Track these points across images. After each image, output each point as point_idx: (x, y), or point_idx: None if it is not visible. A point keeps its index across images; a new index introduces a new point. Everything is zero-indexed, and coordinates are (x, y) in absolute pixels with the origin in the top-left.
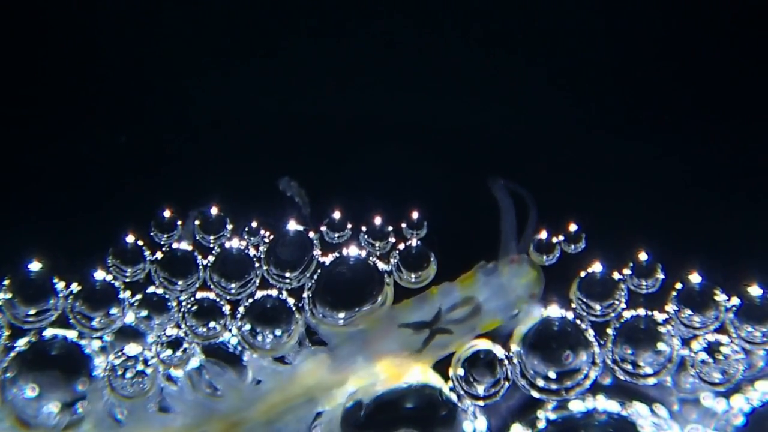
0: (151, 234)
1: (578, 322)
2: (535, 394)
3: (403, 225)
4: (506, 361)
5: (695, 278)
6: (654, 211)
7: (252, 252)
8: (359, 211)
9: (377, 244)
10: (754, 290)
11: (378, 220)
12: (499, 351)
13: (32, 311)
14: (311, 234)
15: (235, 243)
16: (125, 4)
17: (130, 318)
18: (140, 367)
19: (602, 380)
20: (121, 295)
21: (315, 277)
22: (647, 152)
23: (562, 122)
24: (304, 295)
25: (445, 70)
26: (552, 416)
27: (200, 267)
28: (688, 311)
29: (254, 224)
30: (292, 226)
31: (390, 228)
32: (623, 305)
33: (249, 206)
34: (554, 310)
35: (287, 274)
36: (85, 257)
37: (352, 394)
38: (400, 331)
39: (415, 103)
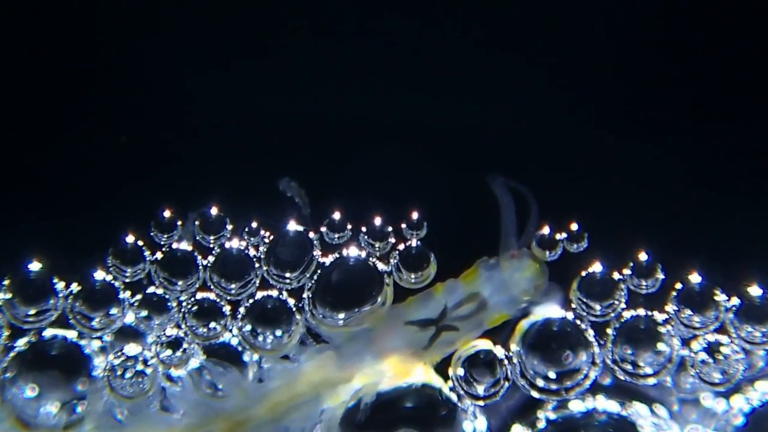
0: (151, 234)
1: (578, 322)
2: (535, 394)
3: (403, 225)
4: (506, 361)
5: (695, 278)
6: (654, 211)
7: (252, 252)
8: (359, 212)
9: (377, 245)
10: (754, 290)
11: (378, 221)
12: (499, 351)
13: (32, 311)
14: (311, 234)
15: (235, 243)
16: (125, 4)
17: (130, 318)
18: (140, 367)
19: (602, 380)
20: (121, 296)
21: (315, 277)
22: (647, 152)
23: (562, 122)
24: (304, 295)
25: (445, 70)
26: (552, 416)
27: (200, 267)
28: (688, 311)
29: (254, 224)
30: (292, 226)
31: (390, 228)
32: (623, 305)
33: (249, 206)
34: (554, 310)
35: (287, 275)
36: (85, 257)
37: (356, 392)
38: (406, 328)
39: (415, 103)
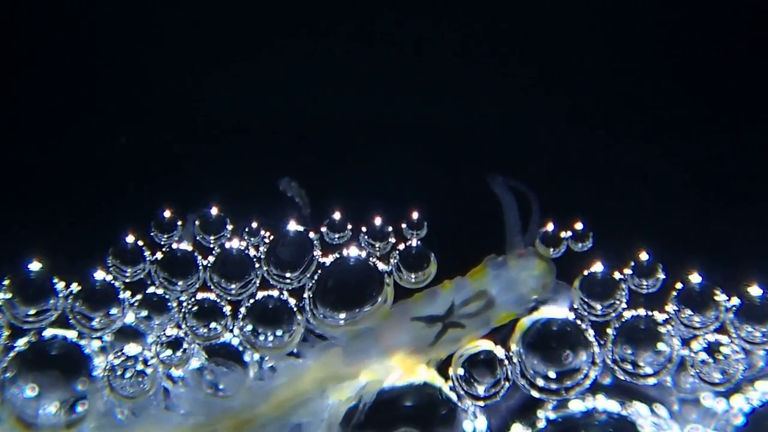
0: (151, 234)
1: (578, 322)
2: (535, 393)
3: (403, 225)
4: (506, 362)
5: (695, 278)
6: (655, 212)
7: (252, 252)
8: (359, 212)
9: (377, 245)
10: (754, 290)
11: (378, 221)
12: (499, 351)
13: (32, 311)
14: (311, 234)
15: (235, 243)
16: (125, 4)
17: (130, 318)
18: (140, 367)
19: (602, 380)
20: (121, 296)
21: (315, 277)
22: (648, 153)
23: (562, 122)
24: (305, 295)
25: (446, 70)
26: (552, 416)
27: (200, 267)
28: (689, 311)
29: (254, 225)
30: (293, 226)
31: (390, 228)
32: (624, 305)
33: (249, 207)
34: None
35: (287, 275)
36: (85, 257)
37: (359, 390)
38: (413, 324)
39: (415, 104)
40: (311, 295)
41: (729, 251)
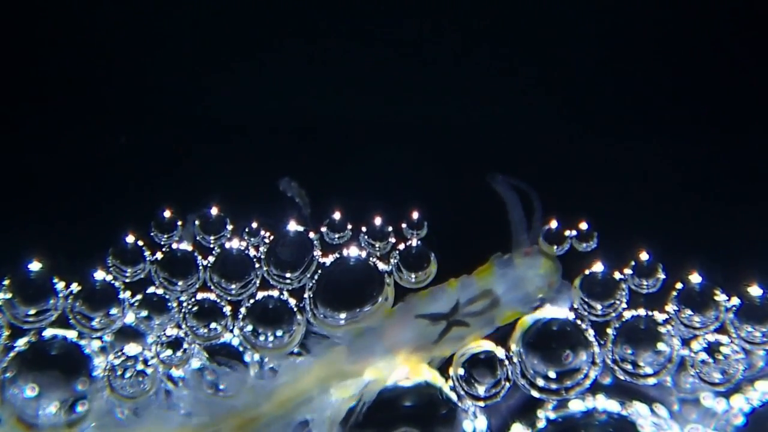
0: (152, 234)
1: (578, 321)
2: (535, 393)
3: (403, 225)
4: (507, 362)
5: (695, 278)
6: (655, 212)
7: (252, 253)
8: (359, 212)
9: (377, 245)
10: (754, 290)
11: (378, 221)
12: (500, 351)
13: (32, 311)
14: (311, 234)
15: (235, 243)
16: (126, 5)
17: (130, 318)
18: (140, 366)
19: (602, 380)
20: (121, 296)
21: (315, 277)
22: (648, 153)
23: (563, 122)
24: (305, 295)
25: (446, 70)
26: (552, 416)
27: (200, 267)
28: (689, 311)
29: (254, 225)
30: (293, 226)
31: (390, 228)
32: (624, 305)
33: (249, 207)
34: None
35: (287, 275)
36: (85, 257)
37: (362, 388)
38: (417, 322)
39: (414, 103)
40: (311, 295)
41: (729, 251)
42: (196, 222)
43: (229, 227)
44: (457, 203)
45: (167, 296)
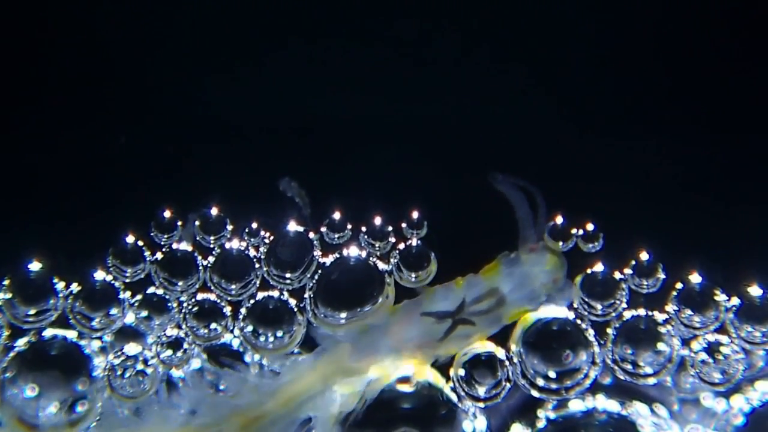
0: (152, 234)
1: (578, 321)
2: (535, 393)
3: (403, 225)
4: (507, 363)
5: (695, 278)
6: (655, 212)
7: (252, 253)
8: (359, 212)
9: (377, 244)
10: (754, 290)
11: (378, 220)
12: (500, 352)
13: (32, 311)
14: (311, 234)
15: (235, 244)
16: (126, 5)
17: (130, 318)
18: (140, 366)
19: (602, 380)
20: (121, 296)
21: (315, 277)
22: (649, 153)
23: (563, 122)
24: (306, 295)
25: (446, 70)
26: (552, 415)
27: (200, 268)
28: (689, 311)
29: (254, 225)
30: (293, 226)
31: (390, 228)
32: (624, 305)
33: (249, 207)
34: (555, 310)
35: (287, 275)
36: (85, 257)
37: (369, 384)
38: (422, 319)
39: (414, 103)
40: (312, 295)
41: (729, 251)
42: (196, 222)
43: (229, 227)
44: (457, 203)
45: (167, 296)
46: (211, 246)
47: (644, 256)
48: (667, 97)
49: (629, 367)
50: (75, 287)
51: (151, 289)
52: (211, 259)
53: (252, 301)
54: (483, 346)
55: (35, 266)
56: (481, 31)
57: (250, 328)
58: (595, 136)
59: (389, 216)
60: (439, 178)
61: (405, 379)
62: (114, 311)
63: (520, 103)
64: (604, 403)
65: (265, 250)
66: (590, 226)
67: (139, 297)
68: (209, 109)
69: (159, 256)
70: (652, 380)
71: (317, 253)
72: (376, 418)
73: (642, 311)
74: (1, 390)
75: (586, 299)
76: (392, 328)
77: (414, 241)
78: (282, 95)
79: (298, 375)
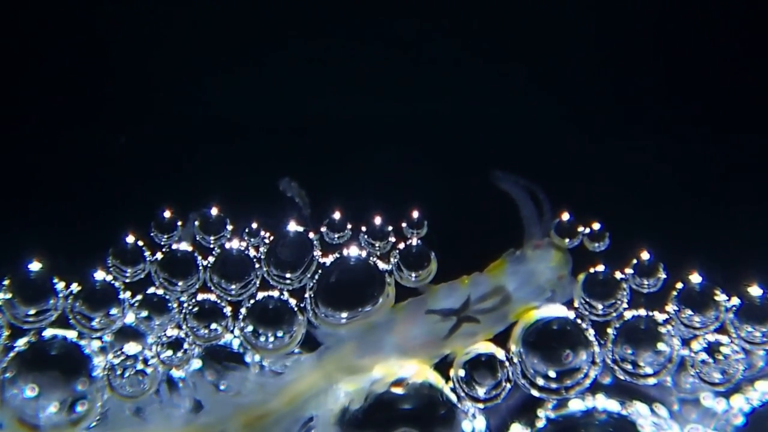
0: (152, 234)
1: (579, 321)
2: (534, 393)
3: (403, 224)
4: (507, 363)
5: (695, 278)
6: (655, 212)
7: (252, 253)
8: (359, 212)
9: (377, 244)
10: (754, 290)
11: (378, 220)
12: (500, 353)
13: (32, 311)
14: (311, 234)
15: (235, 244)
16: (126, 5)
17: (130, 318)
18: (140, 366)
19: (602, 380)
20: (121, 296)
21: (315, 277)
22: (649, 152)
23: (564, 122)
24: (306, 295)
25: (446, 70)
26: (552, 415)
27: (200, 268)
28: (689, 311)
29: (254, 225)
30: (292, 226)
31: (390, 228)
32: (625, 305)
33: (249, 207)
34: (555, 310)
35: (287, 275)
36: (85, 257)
37: (373, 382)
38: (427, 317)
39: (414, 103)
40: (312, 295)
41: (729, 251)
42: (196, 222)
43: (229, 227)
44: (457, 202)
45: (167, 296)
46: (211, 246)
47: (645, 255)
48: (667, 97)
49: (629, 367)
50: (75, 287)
51: (151, 290)
52: (211, 259)
53: (252, 301)
54: (484, 346)
55: (35, 266)
56: (481, 31)
57: (250, 328)
58: (595, 136)
59: (389, 216)
60: (439, 178)
61: (400, 382)
62: (114, 311)
63: (520, 103)
64: (604, 403)
65: (265, 250)
66: (597, 225)
67: (139, 297)
68: (209, 109)
69: (159, 256)
70: (652, 380)
71: (317, 253)
72: (376, 418)
73: (642, 311)
74: (1, 390)
75: (587, 299)
76: (397, 326)
77: (414, 241)
78: (282, 95)
79: (302, 373)
